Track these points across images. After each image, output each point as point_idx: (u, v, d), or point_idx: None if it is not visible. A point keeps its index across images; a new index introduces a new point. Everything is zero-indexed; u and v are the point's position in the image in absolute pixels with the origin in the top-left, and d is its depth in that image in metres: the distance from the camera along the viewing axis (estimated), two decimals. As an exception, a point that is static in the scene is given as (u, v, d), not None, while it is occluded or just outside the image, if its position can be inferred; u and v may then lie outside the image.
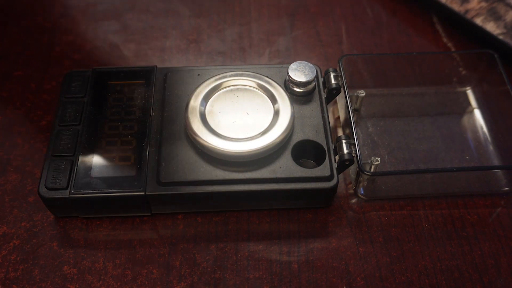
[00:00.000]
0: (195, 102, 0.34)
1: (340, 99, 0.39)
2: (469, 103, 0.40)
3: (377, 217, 0.34)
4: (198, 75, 0.37)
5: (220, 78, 0.35)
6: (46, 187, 0.32)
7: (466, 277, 0.32)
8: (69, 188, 0.32)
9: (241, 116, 0.34)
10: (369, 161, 0.33)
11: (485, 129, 0.38)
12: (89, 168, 0.33)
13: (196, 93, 0.35)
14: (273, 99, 0.34)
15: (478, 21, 0.42)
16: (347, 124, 0.36)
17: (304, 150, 0.34)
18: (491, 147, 0.37)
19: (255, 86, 0.35)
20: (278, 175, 0.32)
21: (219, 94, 0.35)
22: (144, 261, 0.32)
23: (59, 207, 0.32)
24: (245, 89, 0.35)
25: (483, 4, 0.42)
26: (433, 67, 0.41)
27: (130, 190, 0.32)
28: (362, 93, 0.38)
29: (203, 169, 0.32)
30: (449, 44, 0.44)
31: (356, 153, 0.32)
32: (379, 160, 0.33)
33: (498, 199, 0.35)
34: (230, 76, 0.35)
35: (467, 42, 0.44)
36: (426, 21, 0.46)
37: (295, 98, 0.35)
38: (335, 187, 0.32)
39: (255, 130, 0.33)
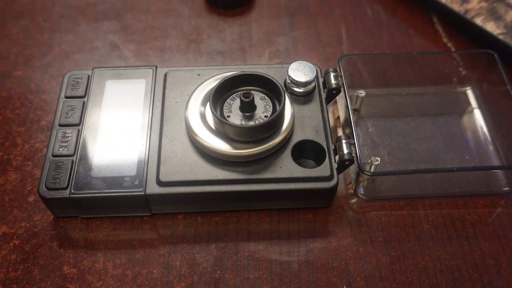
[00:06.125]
0: (195, 102, 0.34)
1: (340, 99, 0.39)
2: (469, 103, 0.40)
3: (377, 217, 0.34)
4: (198, 75, 0.37)
5: (220, 78, 0.35)
6: (46, 187, 0.32)
7: (466, 277, 0.32)
8: (69, 188, 0.32)
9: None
10: (369, 161, 0.33)
11: (485, 129, 0.38)
12: (89, 168, 0.33)
13: (196, 93, 0.35)
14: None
15: (478, 21, 0.42)
16: (347, 124, 0.36)
17: (304, 150, 0.34)
18: (491, 147, 0.37)
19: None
20: (278, 175, 0.32)
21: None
22: (144, 261, 0.32)
23: (59, 207, 0.32)
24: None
25: (483, 4, 0.42)
26: (433, 67, 0.41)
27: (130, 190, 0.32)
28: (362, 93, 0.38)
29: (203, 169, 0.32)
30: (449, 44, 0.44)
31: (356, 153, 0.32)
32: (379, 160, 0.33)
33: (498, 199, 0.35)
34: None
35: (467, 42, 0.44)
36: (426, 21, 0.46)
37: (295, 98, 0.35)
38: (335, 187, 0.32)
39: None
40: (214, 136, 0.32)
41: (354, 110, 0.39)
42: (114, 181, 0.32)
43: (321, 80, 0.37)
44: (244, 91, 0.33)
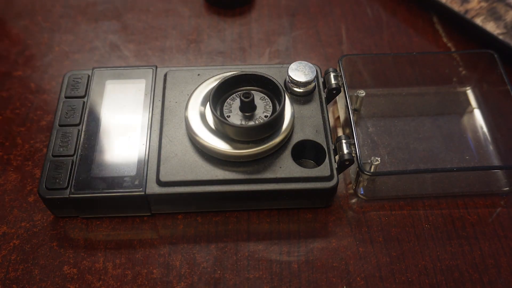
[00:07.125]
0: (195, 102, 0.34)
1: (340, 99, 0.39)
2: (469, 103, 0.40)
3: (377, 217, 0.34)
4: (198, 75, 0.37)
5: (220, 78, 0.35)
6: (46, 187, 0.32)
7: (466, 277, 0.32)
8: (69, 188, 0.32)
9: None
10: (369, 161, 0.33)
11: (485, 129, 0.38)
12: (89, 168, 0.33)
13: (196, 93, 0.35)
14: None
15: (478, 21, 0.42)
16: (347, 124, 0.36)
17: (304, 150, 0.34)
18: (491, 147, 0.37)
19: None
20: (278, 175, 0.32)
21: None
22: (144, 261, 0.32)
23: (59, 207, 0.32)
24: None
25: (483, 4, 0.42)
26: (433, 67, 0.41)
27: (130, 190, 0.32)
28: (362, 93, 0.38)
29: (203, 169, 0.32)
30: (449, 44, 0.44)
31: (356, 153, 0.32)
32: (379, 160, 0.33)
33: (498, 199, 0.35)
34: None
35: (467, 42, 0.44)
36: (426, 21, 0.46)
37: (295, 98, 0.35)
38: (335, 187, 0.32)
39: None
40: (214, 136, 0.32)
41: (354, 110, 0.39)
42: (114, 181, 0.32)
43: (321, 80, 0.37)
44: (244, 91, 0.33)
